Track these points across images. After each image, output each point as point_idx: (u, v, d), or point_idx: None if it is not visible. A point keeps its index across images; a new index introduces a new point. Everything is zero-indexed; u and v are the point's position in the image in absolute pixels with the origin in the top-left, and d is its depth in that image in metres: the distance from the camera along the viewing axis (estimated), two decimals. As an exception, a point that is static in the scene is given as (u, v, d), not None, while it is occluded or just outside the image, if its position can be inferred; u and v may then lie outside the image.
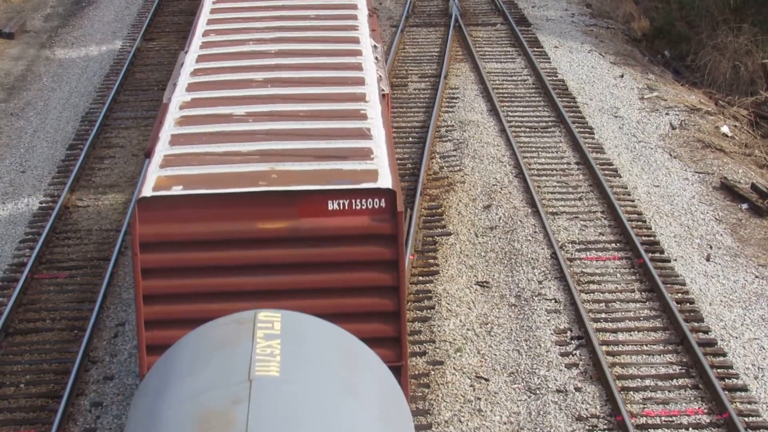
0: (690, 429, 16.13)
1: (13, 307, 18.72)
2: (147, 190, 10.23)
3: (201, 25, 18.01)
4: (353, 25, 18.00)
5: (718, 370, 17.26)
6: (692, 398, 16.82)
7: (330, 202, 10.03)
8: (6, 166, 27.66)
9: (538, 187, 24.34)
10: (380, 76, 15.43)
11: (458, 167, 25.79)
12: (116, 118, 29.66)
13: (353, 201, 10.08)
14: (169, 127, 12.67)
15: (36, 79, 34.55)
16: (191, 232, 10.22)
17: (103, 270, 19.81)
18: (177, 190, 10.28)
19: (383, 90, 14.80)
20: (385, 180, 10.51)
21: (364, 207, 10.11)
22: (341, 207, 10.07)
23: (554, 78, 31.70)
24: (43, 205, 23.99)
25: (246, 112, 13.17)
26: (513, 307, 19.65)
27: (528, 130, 28.08)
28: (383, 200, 10.05)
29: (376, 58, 16.36)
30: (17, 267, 20.65)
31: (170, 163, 11.29)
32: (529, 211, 23.26)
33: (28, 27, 36.02)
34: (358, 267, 10.41)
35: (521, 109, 29.53)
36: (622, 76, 33.06)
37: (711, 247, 22.05)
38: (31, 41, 38.33)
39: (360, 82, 14.57)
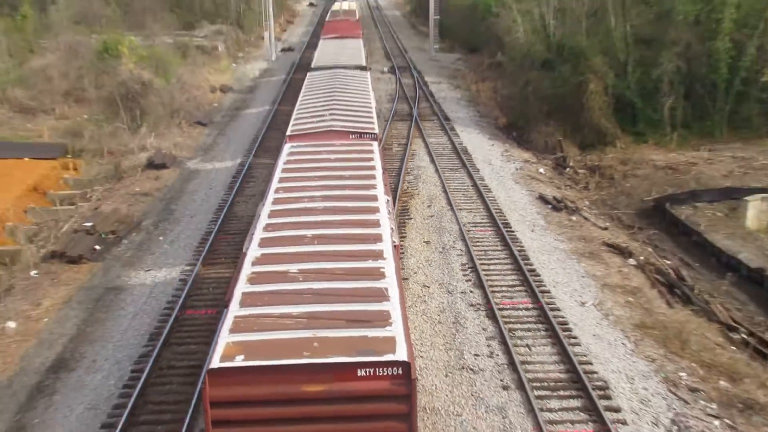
0: (522, 310, 20.76)
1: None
2: (216, 361, 10.00)
3: (274, 183, 18.15)
4: (372, 184, 17.74)
5: (536, 283, 22.17)
6: (524, 295, 21.54)
7: (359, 370, 9.75)
8: (200, 193, 32.90)
9: (454, 197, 30.22)
10: (392, 228, 15.37)
11: (416, 187, 31.61)
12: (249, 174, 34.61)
13: (377, 369, 9.77)
14: (241, 285, 12.43)
15: (222, 141, 42.00)
16: (251, 394, 9.85)
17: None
18: (239, 361, 9.98)
19: (394, 242, 14.74)
20: (402, 351, 10.09)
21: (385, 374, 9.80)
22: (368, 374, 9.75)
23: (461, 146, 38.00)
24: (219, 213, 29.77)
25: (298, 270, 12.82)
26: (440, 252, 24.80)
27: (448, 170, 34.08)
28: (400, 369, 9.77)
29: (389, 211, 16.26)
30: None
31: (238, 327, 10.97)
32: (449, 208, 29.13)
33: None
34: (380, 419, 10.12)
35: (445, 160, 35.71)
36: (493, 144, 39.25)
37: (534, 226, 27.60)
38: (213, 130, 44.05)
39: (378, 238, 14.26)
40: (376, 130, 24.01)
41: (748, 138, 39.43)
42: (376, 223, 15.02)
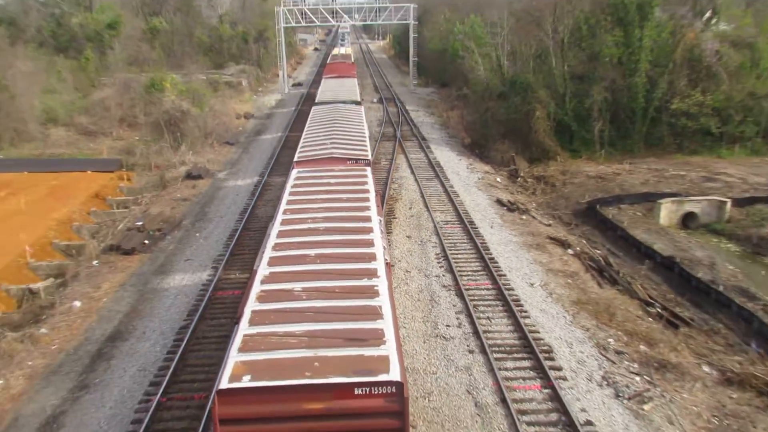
0: (483, 290, 20.76)
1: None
2: (225, 382, 9.07)
3: (283, 205, 16.91)
4: (366, 206, 16.49)
5: (495, 268, 22.38)
6: (486, 278, 21.69)
7: (356, 389, 8.89)
8: (229, 198, 33.02)
9: (429, 201, 30.19)
10: (384, 246, 14.27)
11: (399, 193, 31.56)
12: (268, 184, 34.80)
13: (373, 388, 8.90)
14: (251, 303, 11.36)
15: (245, 157, 40.81)
16: (257, 412, 8.98)
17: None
18: (246, 381, 9.05)
19: (387, 259, 13.64)
20: (395, 371, 9.13)
21: (380, 392, 8.93)
22: (364, 392, 8.90)
23: (435, 160, 37.96)
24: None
25: (302, 288, 11.75)
26: (419, 245, 24.91)
27: (425, 179, 34.01)
28: (394, 388, 8.88)
29: (381, 231, 15.14)
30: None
31: (246, 346, 9.93)
32: (425, 209, 29.13)
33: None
34: None
35: (422, 171, 35.61)
36: (460, 159, 39.20)
37: (492, 223, 27.70)
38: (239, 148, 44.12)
39: (372, 257, 13.09)
40: (369, 157, 22.96)
41: (660, 154, 39.80)
42: (370, 243, 13.90)
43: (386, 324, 10.55)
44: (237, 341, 10.16)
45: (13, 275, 23.90)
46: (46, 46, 62.63)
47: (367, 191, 17.83)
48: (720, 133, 39.80)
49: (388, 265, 13.62)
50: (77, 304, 21.32)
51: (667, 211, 30.34)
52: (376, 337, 10.13)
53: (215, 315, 19.49)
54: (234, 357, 9.71)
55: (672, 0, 43.26)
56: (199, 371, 16.49)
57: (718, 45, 39.86)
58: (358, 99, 38.29)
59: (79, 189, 33.84)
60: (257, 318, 10.87)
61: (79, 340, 18.86)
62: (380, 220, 15.79)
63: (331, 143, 24.32)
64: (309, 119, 30.85)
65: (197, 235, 27.05)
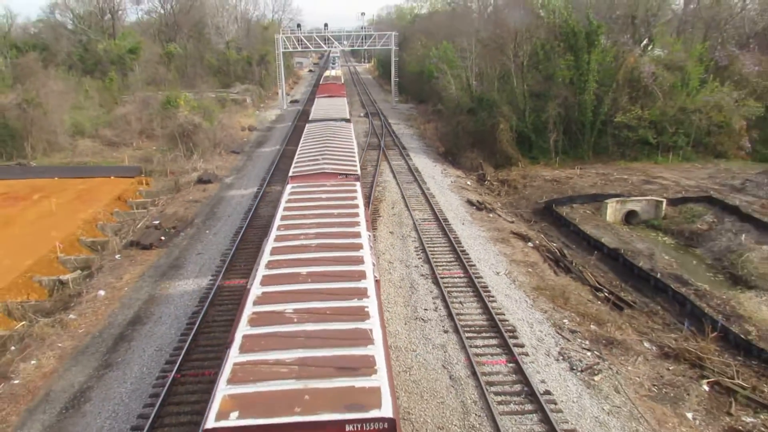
0: (456, 278, 20.74)
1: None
2: (211, 420, 7.72)
3: (277, 220, 15.14)
4: (356, 221, 14.77)
5: (466, 259, 22.34)
6: (458, 268, 21.59)
7: (347, 425, 7.63)
8: (235, 200, 32.46)
9: (409, 201, 29.96)
10: (374, 263, 12.82)
11: (383, 195, 31.25)
12: (268, 187, 34.36)
13: (364, 425, 7.65)
14: (243, 326, 9.99)
15: (249, 164, 39.59)
16: None
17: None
18: (234, 419, 7.71)
19: (376, 277, 12.22)
20: (387, 406, 7.82)
21: (372, 428, 7.65)
22: (355, 429, 7.64)
23: (414, 166, 37.64)
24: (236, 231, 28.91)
25: (293, 310, 10.38)
26: (401, 239, 24.76)
27: (405, 183, 33.73)
28: (386, 424, 7.61)
29: (371, 246, 13.60)
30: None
31: (235, 377, 8.55)
32: (406, 208, 28.95)
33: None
34: None
35: (403, 176, 35.26)
36: (435, 165, 38.92)
37: (464, 221, 27.61)
38: (243, 156, 42.38)
39: (362, 275, 11.67)
40: (358, 172, 21.43)
41: (606, 160, 39.98)
42: (360, 260, 12.44)
43: (377, 350, 9.23)
44: (227, 371, 8.82)
45: (45, 268, 23.53)
46: (74, 69, 61.92)
47: (356, 206, 16.21)
48: (657, 143, 40.06)
49: (377, 282, 12.34)
50: (102, 293, 20.95)
51: (612, 210, 30.48)
52: (367, 366, 8.80)
53: (223, 301, 19.21)
54: (223, 390, 8.38)
55: (615, 29, 43.62)
56: (209, 351, 16.24)
57: (653, 68, 40.21)
58: (348, 116, 36.44)
59: (103, 192, 33.38)
60: (248, 344, 9.49)
61: (104, 325, 18.53)
62: (369, 235, 14.29)
63: (323, 159, 22.95)
64: (303, 136, 29.27)
65: (207, 231, 26.65)
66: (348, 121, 34.41)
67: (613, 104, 40.17)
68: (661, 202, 30.35)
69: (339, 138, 27.71)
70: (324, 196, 17.43)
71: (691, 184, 33.76)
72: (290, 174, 20.95)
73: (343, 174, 20.53)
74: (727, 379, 15.47)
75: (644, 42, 43.34)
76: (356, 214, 15.49)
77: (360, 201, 16.78)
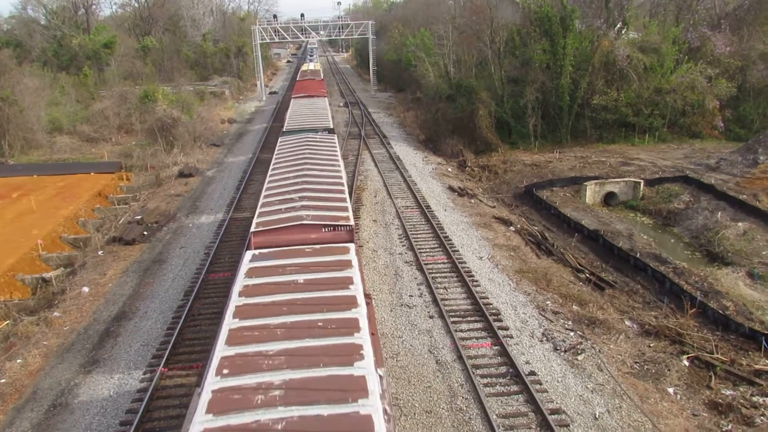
0: (440, 264, 20.70)
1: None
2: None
3: (227, 319, 9.26)
4: (355, 345, 8.38)
5: (449, 245, 22.43)
6: (441, 254, 21.69)
7: None
8: (216, 193, 31.96)
9: (391, 189, 29.98)
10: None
11: (365, 184, 31.24)
12: (250, 179, 33.84)
13: None
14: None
15: (230, 156, 38.78)
16: None
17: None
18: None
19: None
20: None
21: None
22: None
23: (395, 154, 37.54)
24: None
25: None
26: (384, 227, 24.85)
27: (387, 171, 33.67)
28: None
29: (382, 389, 8.26)
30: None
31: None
32: (388, 196, 28.97)
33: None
34: None
35: (384, 165, 35.15)
36: (416, 153, 38.89)
37: (446, 207, 27.65)
38: (224, 149, 41.19)
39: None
40: (352, 221, 14.02)
41: (584, 143, 40.21)
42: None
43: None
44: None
45: (28, 266, 23.25)
46: (49, 65, 60.88)
47: (354, 303, 9.61)
48: (633, 125, 40.36)
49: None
50: (86, 289, 20.67)
51: (592, 192, 30.75)
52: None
53: (208, 294, 19.06)
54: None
55: (589, 13, 43.69)
56: (196, 344, 16.13)
57: (628, 51, 40.40)
58: (331, 125, 27.85)
59: (84, 189, 32.90)
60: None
61: (89, 321, 18.27)
62: (381, 376, 8.43)
63: (300, 197, 15.60)
64: (274, 158, 21.17)
65: (190, 225, 26.35)
66: (332, 132, 26.47)
67: (589, 88, 40.37)
68: (639, 183, 30.65)
69: (321, 160, 20.07)
70: (301, 279, 10.59)
71: (667, 165, 34.13)
72: (253, 228, 13.92)
73: (329, 225, 13.70)
74: (706, 354, 15.75)
75: (618, 26, 43.48)
76: (355, 327, 8.93)
77: (359, 290, 10.00)
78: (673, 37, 41.59)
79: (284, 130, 26.92)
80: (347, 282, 10.27)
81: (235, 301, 9.77)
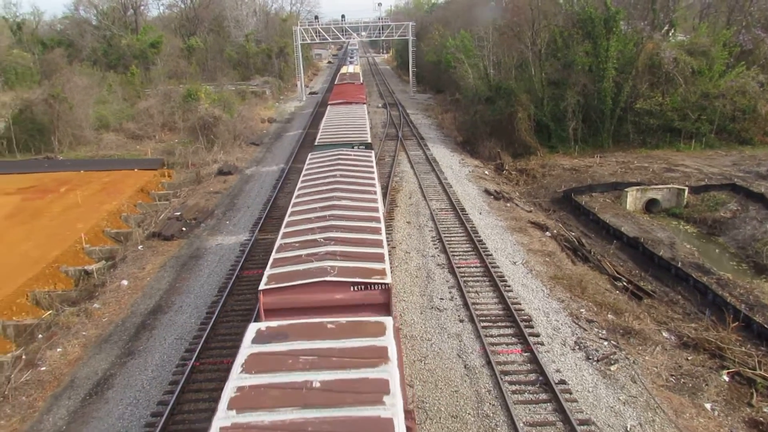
0: (473, 268, 20.55)
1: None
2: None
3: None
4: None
5: (482, 248, 22.14)
6: (474, 257, 21.40)
7: None
8: (254, 191, 32.51)
9: (426, 191, 29.82)
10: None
11: (401, 185, 31.16)
12: (287, 178, 34.29)
13: None
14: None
15: (269, 155, 39.67)
16: None
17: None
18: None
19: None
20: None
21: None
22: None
23: (431, 156, 37.39)
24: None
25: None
26: (417, 229, 24.67)
27: (422, 173, 33.48)
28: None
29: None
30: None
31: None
32: (423, 198, 28.83)
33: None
34: None
35: (420, 166, 35.00)
36: (453, 155, 38.68)
37: (481, 210, 27.44)
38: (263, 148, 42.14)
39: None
40: (389, 276, 10.53)
41: (626, 148, 39.23)
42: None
43: None
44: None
45: (72, 258, 23.99)
46: (98, 64, 62.96)
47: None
48: (678, 130, 39.19)
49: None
50: (125, 282, 21.28)
51: (633, 198, 30.02)
52: None
53: (242, 291, 19.33)
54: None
55: (634, 14, 42.62)
56: (227, 339, 16.38)
57: (675, 53, 39.26)
58: (369, 139, 24.38)
59: (127, 185, 33.87)
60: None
61: (126, 314, 18.83)
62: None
63: (325, 240, 12.09)
64: (300, 182, 17.68)
65: (227, 222, 26.82)
66: (369, 147, 23.14)
67: (632, 91, 39.38)
68: (683, 190, 29.77)
69: (354, 185, 16.16)
70: (317, 378, 7.49)
71: (714, 172, 33.03)
72: (263, 284, 10.55)
73: (360, 284, 10.28)
74: (748, 370, 15.14)
75: (665, 27, 42.28)
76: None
77: (396, 402, 7.03)
78: (724, 40, 40.22)
79: (316, 143, 24.05)
80: (379, 390, 7.09)
81: (221, 419, 6.80)
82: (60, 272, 22.88)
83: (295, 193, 16.26)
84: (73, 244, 24.84)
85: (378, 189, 16.70)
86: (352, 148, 22.32)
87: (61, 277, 22.75)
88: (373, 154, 20.91)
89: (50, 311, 19.96)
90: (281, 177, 33.66)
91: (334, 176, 17.05)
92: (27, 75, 59.67)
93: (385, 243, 12.02)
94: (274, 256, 11.78)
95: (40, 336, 18.31)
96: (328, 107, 34.22)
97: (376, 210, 14.09)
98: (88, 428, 13.34)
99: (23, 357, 16.83)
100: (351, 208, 14.16)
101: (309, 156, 20.78)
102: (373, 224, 12.99)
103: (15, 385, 15.30)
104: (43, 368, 16.03)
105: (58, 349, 16.99)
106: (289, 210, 14.61)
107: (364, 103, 35.76)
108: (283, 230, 13.20)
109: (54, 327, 18.48)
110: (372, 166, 18.65)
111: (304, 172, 18.59)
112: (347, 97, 37.17)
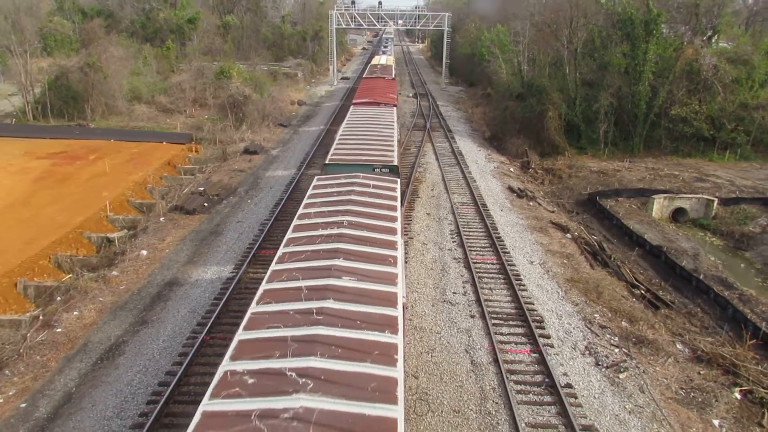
0: (488, 264, 20.37)
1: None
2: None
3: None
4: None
5: (500, 246, 22.00)
6: (491, 254, 21.25)
7: None
8: (278, 171, 32.73)
9: (449, 184, 29.59)
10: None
11: (424, 176, 30.99)
12: (311, 162, 34.46)
13: None
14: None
15: (296, 138, 39.65)
16: None
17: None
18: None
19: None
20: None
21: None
22: None
23: (457, 149, 37.08)
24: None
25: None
26: (437, 221, 24.48)
27: (447, 165, 33.26)
28: None
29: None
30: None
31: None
32: (445, 191, 28.63)
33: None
34: None
35: (445, 158, 34.80)
36: (480, 150, 38.21)
37: (503, 207, 27.19)
38: (290, 130, 42.26)
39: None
40: (400, 408, 6.97)
41: (657, 155, 38.51)
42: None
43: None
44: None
45: (95, 225, 24.58)
46: (135, 36, 63.66)
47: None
48: (713, 139, 38.29)
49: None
50: (144, 252, 21.62)
51: (659, 206, 29.46)
52: None
53: (257, 270, 19.43)
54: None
55: (677, 18, 41.57)
56: (240, 316, 16.41)
57: (715, 60, 38.23)
58: (395, 161, 18.39)
59: (155, 157, 34.44)
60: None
61: (143, 283, 19.13)
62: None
63: (316, 315, 8.80)
64: (297, 217, 13.24)
65: (249, 201, 27.02)
66: (395, 171, 17.61)
67: (668, 97, 38.49)
68: (713, 201, 29.08)
69: (367, 235, 11.62)
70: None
71: (746, 185, 32.20)
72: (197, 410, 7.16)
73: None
74: (761, 389, 14.76)
75: (708, 33, 41.14)
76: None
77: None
78: (766, 48, 39.02)
79: (327, 161, 18.56)
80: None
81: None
82: (83, 238, 23.41)
83: (284, 241, 11.73)
84: (97, 211, 25.42)
85: (400, 247, 11.51)
86: (373, 171, 17.30)
87: (83, 242, 23.29)
88: (398, 183, 15.61)
89: (70, 275, 20.49)
90: (305, 160, 33.70)
91: (343, 214, 12.56)
92: (66, 42, 60.85)
93: (401, 332, 8.52)
94: (237, 337, 8.81)
95: (58, 298, 18.80)
96: (351, 108, 28.44)
97: (393, 281, 9.77)
98: (97, 391, 13.63)
99: (40, 317, 17.31)
100: (356, 271, 9.98)
101: (314, 180, 16.33)
102: (387, 313, 8.83)
103: (30, 344, 15.69)
104: (59, 330, 16.42)
105: (75, 313, 17.37)
106: (271, 268, 10.49)
107: (394, 105, 29.43)
108: (260, 292, 9.88)
109: (72, 291, 18.92)
110: (395, 207, 13.49)
111: (303, 206, 14.04)
112: (375, 96, 31.22)
